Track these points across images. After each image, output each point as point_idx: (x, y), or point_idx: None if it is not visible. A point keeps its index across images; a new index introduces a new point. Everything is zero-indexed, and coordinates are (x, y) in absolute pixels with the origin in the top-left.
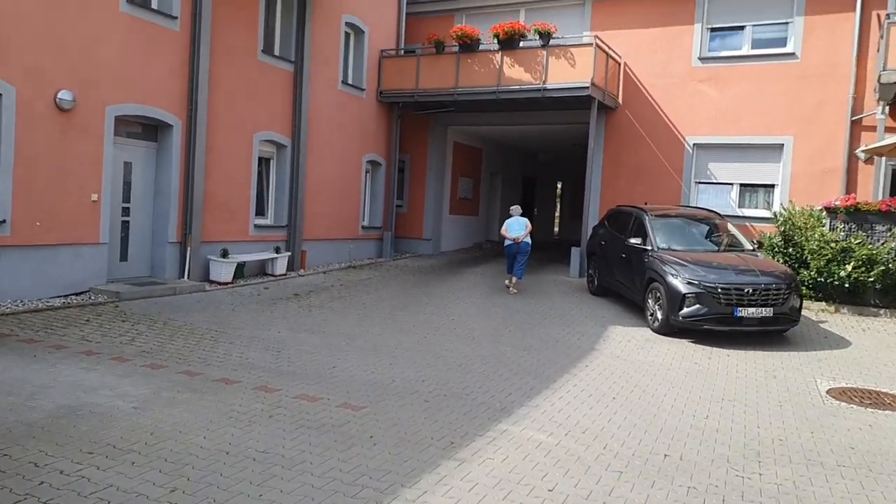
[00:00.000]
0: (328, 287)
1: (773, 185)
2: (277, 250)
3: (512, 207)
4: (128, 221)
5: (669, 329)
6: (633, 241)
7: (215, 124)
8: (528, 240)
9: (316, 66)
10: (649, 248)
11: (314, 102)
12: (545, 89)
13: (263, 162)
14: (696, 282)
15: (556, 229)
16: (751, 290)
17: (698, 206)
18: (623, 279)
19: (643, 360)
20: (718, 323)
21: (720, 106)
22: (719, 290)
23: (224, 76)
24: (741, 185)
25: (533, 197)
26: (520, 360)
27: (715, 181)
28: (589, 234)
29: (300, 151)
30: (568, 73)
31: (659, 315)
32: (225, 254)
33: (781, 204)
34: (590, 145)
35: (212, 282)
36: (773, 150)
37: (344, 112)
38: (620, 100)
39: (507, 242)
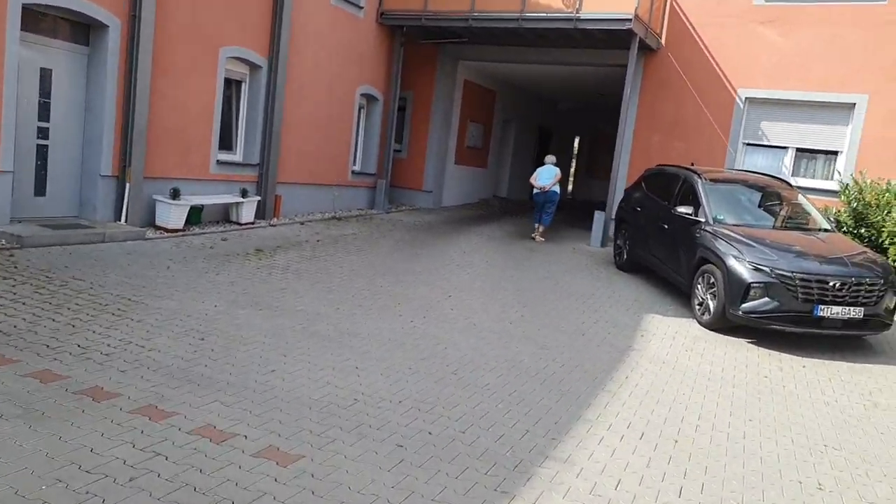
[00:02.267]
0: (301, 242)
1: (836, 152)
2: (244, 193)
3: (546, 157)
4: (45, 146)
5: (724, 324)
6: (681, 209)
7: (168, 30)
8: (557, 189)
9: None
10: (702, 219)
11: (299, 16)
12: (578, 19)
13: (233, 85)
14: (765, 268)
15: (570, 188)
16: (837, 284)
17: (757, 171)
18: (662, 255)
19: (697, 368)
20: (791, 323)
21: (783, 54)
22: (797, 281)
23: None
24: (798, 149)
25: (548, 150)
26: (537, 364)
27: (767, 143)
28: (620, 198)
29: (278, 74)
30: (608, 0)
31: (711, 306)
32: (175, 194)
33: (852, 174)
34: (625, 92)
35: (158, 228)
36: (842, 111)
37: (336, 32)
38: (663, 40)
39: (535, 191)
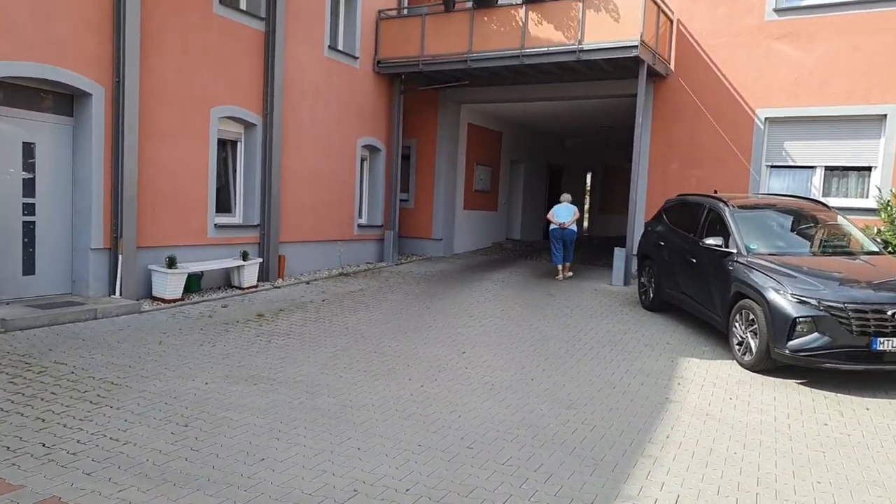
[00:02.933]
0: (305, 303)
1: (869, 168)
2: (245, 256)
3: (563, 195)
4: (32, 223)
5: (769, 365)
6: (709, 241)
7: (155, 94)
8: (574, 227)
9: (294, 26)
10: (733, 250)
11: (292, 71)
12: (581, 50)
13: (228, 145)
14: (811, 299)
15: (586, 225)
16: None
17: (787, 194)
18: (692, 292)
19: (745, 419)
20: (848, 360)
21: (801, 69)
22: (849, 313)
23: (166, 32)
24: (826, 168)
25: (559, 188)
26: (564, 429)
27: (792, 164)
28: (641, 233)
29: (273, 132)
30: (610, 29)
31: (753, 345)
32: (172, 262)
33: (892, 190)
34: (637, 121)
35: (155, 299)
36: (872, 124)
37: (332, 84)
38: (672, 65)
39: (552, 227)
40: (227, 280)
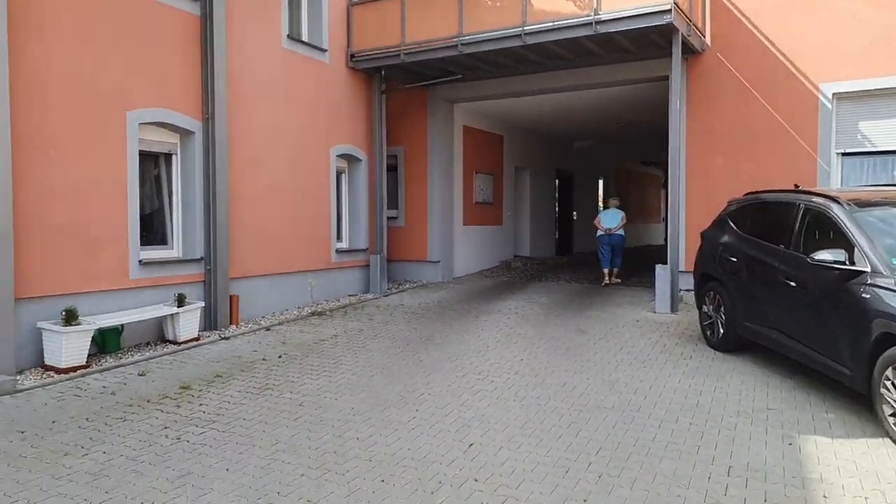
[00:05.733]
0: (255, 362)
1: None
2: (181, 300)
3: (610, 199)
4: None
5: None
6: (823, 255)
7: (39, 91)
8: (622, 232)
9: (239, 10)
10: (864, 268)
11: (240, 65)
12: (598, 22)
13: (160, 159)
14: None
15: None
16: None
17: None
18: (791, 328)
19: None
20: None
21: (877, 28)
22: None
23: (54, 11)
24: None
25: (570, 197)
26: None
27: (871, 149)
28: (685, 244)
29: (217, 141)
30: None
31: None
32: (70, 317)
33: None
34: (673, 106)
35: (48, 368)
36: None
37: (295, 82)
38: (708, 39)
39: (599, 233)
40: (159, 333)
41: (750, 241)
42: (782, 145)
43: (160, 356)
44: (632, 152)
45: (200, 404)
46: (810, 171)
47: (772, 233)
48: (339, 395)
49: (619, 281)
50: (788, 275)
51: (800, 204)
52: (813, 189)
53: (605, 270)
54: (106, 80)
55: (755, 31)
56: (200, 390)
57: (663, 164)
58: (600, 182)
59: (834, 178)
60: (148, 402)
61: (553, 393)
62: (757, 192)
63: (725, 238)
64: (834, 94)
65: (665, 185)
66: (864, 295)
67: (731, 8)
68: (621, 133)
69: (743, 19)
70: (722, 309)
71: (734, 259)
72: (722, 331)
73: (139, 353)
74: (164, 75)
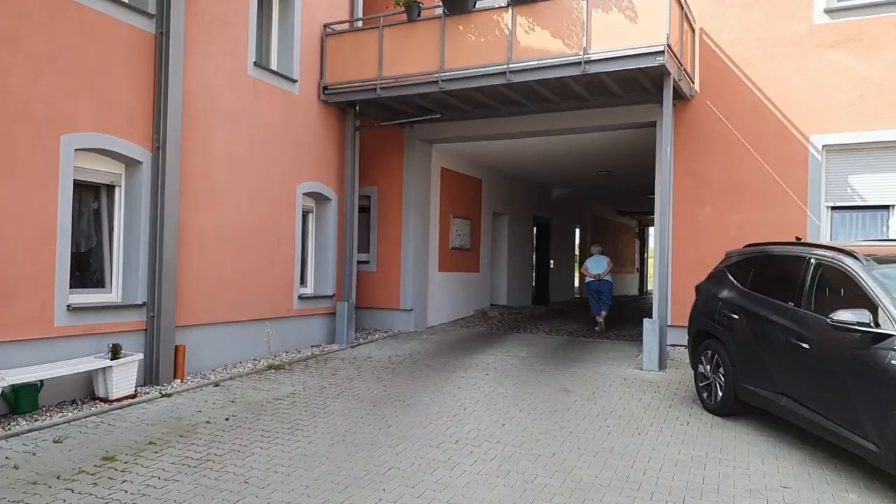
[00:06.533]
0: (197, 426)
1: None
2: (115, 352)
3: (592, 247)
4: None
5: None
6: (845, 316)
7: None
8: (609, 278)
9: (201, 31)
10: (893, 332)
11: (199, 90)
12: (588, 61)
13: (101, 192)
14: None
15: (577, 284)
16: None
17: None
18: (803, 394)
19: None
20: None
21: (867, 83)
22: None
23: None
24: None
25: (548, 245)
26: None
27: (861, 203)
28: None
29: (167, 173)
30: (625, 32)
31: None
32: None
33: None
34: (662, 153)
35: None
36: None
37: (261, 113)
38: (697, 86)
39: (587, 280)
40: (91, 388)
41: (753, 297)
42: (771, 197)
43: (85, 417)
44: (608, 201)
45: (123, 481)
46: (800, 224)
47: (778, 288)
48: (293, 469)
49: (604, 327)
50: (800, 335)
51: (810, 258)
52: (822, 242)
53: (598, 318)
54: (37, 99)
55: (745, 80)
56: (126, 462)
57: (637, 215)
58: (577, 231)
59: (824, 232)
60: (58, 478)
61: (541, 467)
62: (760, 244)
63: (725, 293)
64: (824, 146)
65: (639, 236)
66: (893, 362)
67: (721, 55)
68: (599, 182)
69: (733, 67)
70: (721, 370)
71: (735, 316)
72: (721, 394)
73: (60, 415)
74: (109, 97)
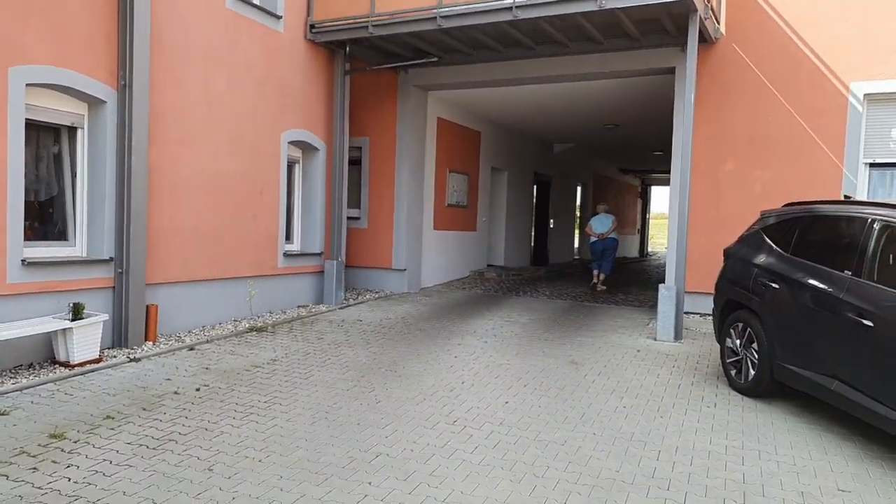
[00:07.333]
0: (163, 397)
1: None
2: (77, 312)
3: (598, 206)
4: None
5: None
6: None
7: None
8: (615, 236)
9: None
10: None
11: (170, 23)
12: None
13: (63, 134)
14: None
15: (577, 245)
16: None
17: None
18: (864, 381)
19: None
20: None
21: None
22: None
23: None
24: None
25: (548, 204)
26: None
27: None
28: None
29: (134, 113)
30: None
31: None
32: None
33: None
34: (685, 100)
35: None
36: None
37: (241, 51)
38: (722, 27)
39: (592, 240)
40: (51, 352)
41: (798, 264)
42: (802, 152)
43: (40, 384)
44: (611, 159)
45: (68, 466)
46: (834, 182)
47: (831, 254)
48: (266, 454)
49: (605, 288)
50: (860, 310)
51: (873, 220)
52: (885, 201)
53: (595, 274)
54: None
55: (777, 19)
56: (76, 441)
57: (641, 173)
58: (578, 189)
59: (860, 192)
60: None
61: (551, 456)
62: (806, 203)
63: (761, 258)
64: (866, 94)
65: (642, 196)
66: None
67: None
68: (602, 138)
69: (764, 5)
70: (754, 346)
71: (775, 285)
72: (753, 372)
73: (13, 381)
74: (66, 26)
